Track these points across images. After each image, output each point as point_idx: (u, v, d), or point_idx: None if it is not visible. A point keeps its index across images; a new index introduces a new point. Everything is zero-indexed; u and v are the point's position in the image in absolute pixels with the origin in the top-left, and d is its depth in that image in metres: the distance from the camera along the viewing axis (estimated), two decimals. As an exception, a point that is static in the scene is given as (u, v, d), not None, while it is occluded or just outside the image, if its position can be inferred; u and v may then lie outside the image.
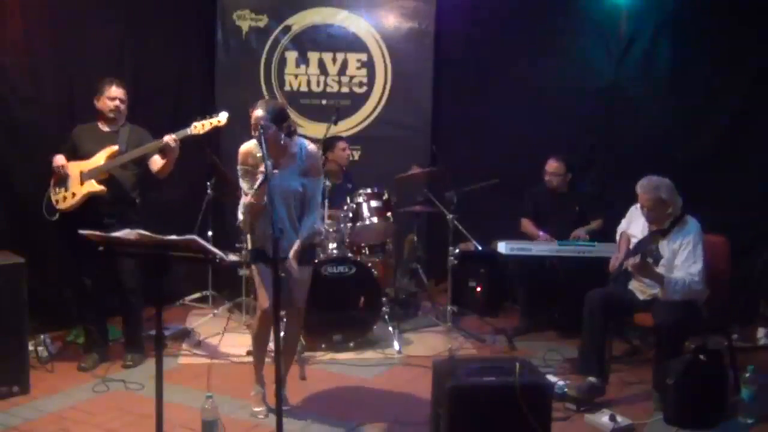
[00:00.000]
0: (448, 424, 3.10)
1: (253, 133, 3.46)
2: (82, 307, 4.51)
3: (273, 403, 3.54)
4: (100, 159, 4.20)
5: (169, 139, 4.09)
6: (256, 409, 3.71)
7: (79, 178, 4.19)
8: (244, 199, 3.59)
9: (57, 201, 4.24)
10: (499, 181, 5.35)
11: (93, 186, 4.16)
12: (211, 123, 4.06)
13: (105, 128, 4.34)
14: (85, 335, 4.50)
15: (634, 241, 4.14)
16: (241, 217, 3.66)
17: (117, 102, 4.30)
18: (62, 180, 4.22)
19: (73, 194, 4.19)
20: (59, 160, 4.22)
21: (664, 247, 3.95)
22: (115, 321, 4.71)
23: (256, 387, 3.77)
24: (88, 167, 4.20)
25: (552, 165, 5.28)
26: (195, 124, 4.07)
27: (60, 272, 4.89)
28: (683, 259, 3.88)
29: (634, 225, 4.22)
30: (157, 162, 4.30)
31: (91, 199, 4.18)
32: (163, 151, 4.22)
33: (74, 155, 4.27)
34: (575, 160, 5.37)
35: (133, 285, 4.37)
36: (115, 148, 4.22)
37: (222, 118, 4.05)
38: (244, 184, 3.60)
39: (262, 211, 3.52)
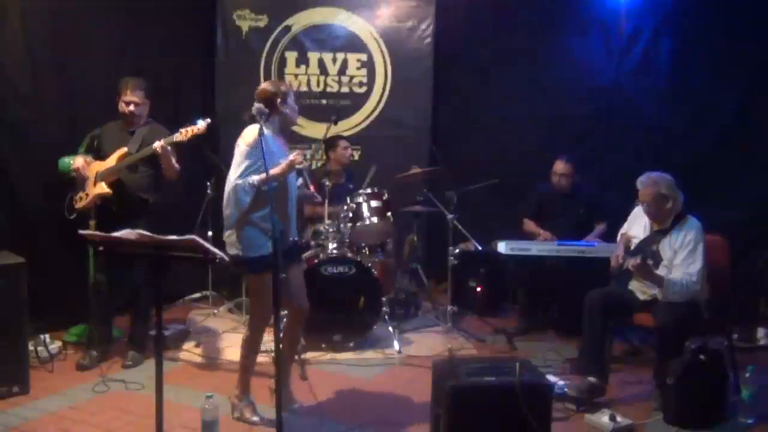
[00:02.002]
0: (448, 424, 3.10)
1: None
2: (89, 304, 4.51)
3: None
4: (112, 160, 4.28)
5: (156, 146, 4.12)
6: (254, 419, 3.60)
7: (93, 179, 4.28)
8: (246, 181, 3.37)
9: (76, 201, 4.35)
10: (499, 181, 5.35)
11: (101, 188, 4.23)
12: (191, 130, 4.06)
13: (125, 128, 4.40)
14: (87, 333, 4.51)
15: (635, 241, 4.14)
16: (234, 210, 3.39)
17: (132, 107, 4.33)
18: (82, 181, 4.32)
19: (87, 195, 4.29)
20: (77, 163, 4.32)
21: (666, 246, 3.96)
22: (117, 321, 4.72)
23: (246, 398, 3.65)
24: (103, 168, 4.28)
25: (560, 166, 5.24)
26: (181, 130, 4.09)
27: (60, 272, 4.88)
28: (683, 258, 3.89)
29: (636, 226, 4.22)
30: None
31: (103, 199, 4.24)
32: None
33: (99, 154, 4.38)
34: (576, 160, 5.36)
35: (145, 281, 4.42)
36: (125, 149, 4.26)
37: (200, 125, 4.05)
38: (246, 168, 3.39)
39: (269, 198, 3.40)
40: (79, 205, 4.32)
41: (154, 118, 4.50)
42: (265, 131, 3.41)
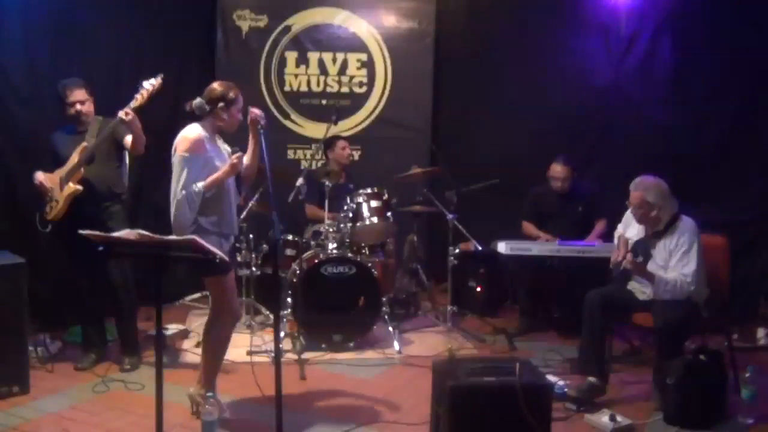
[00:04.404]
0: (448, 424, 3.10)
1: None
2: (78, 308, 4.51)
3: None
4: (74, 159, 4.18)
5: (121, 113, 4.03)
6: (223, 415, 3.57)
7: (59, 185, 4.19)
8: (190, 191, 3.33)
9: (47, 213, 4.23)
10: (499, 181, 5.35)
11: (70, 188, 4.14)
12: (147, 90, 4.00)
13: (78, 130, 4.31)
14: (83, 335, 4.50)
15: (631, 242, 4.15)
16: (184, 221, 3.35)
17: (77, 106, 4.25)
18: (47, 194, 4.22)
19: (57, 202, 4.18)
20: (37, 177, 4.24)
21: (660, 248, 3.97)
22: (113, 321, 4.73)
23: (209, 395, 3.50)
24: (65, 171, 4.19)
25: (556, 169, 5.23)
26: (136, 96, 4.02)
27: (59, 273, 4.89)
28: (677, 259, 3.90)
29: (632, 227, 4.22)
30: (128, 141, 4.23)
31: (74, 200, 4.15)
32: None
33: (57, 163, 4.27)
34: (575, 160, 5.37)
35: (121, 282, 4.33)
36: (84, 144, 4.18)
37: (156, 81, 3.98)
38: (187, 177, 3.34)
39: (222, 195, 3.47)
40: (51, 215, 4.20)
41: (154, 117, 4.45)
42: (202, 131, 3.44)
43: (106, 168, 4.29)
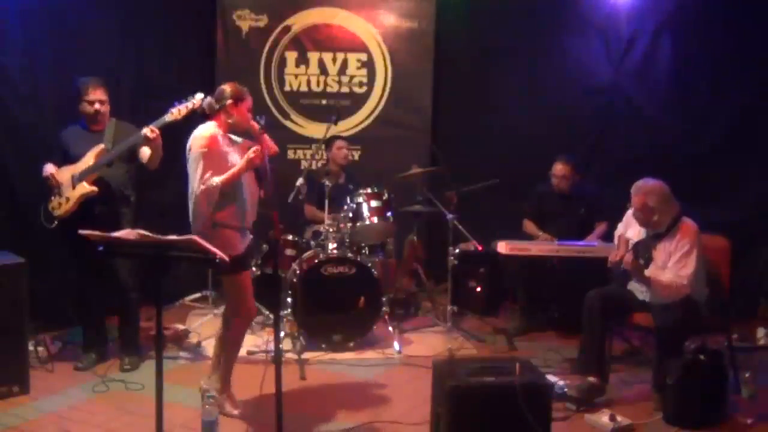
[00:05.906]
0: (448, 424, 3.10)
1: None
2: (80, 307, 4.51)
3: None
4: (89, 159, 4.16)
5: (146, 130, 4.02)
6: (235, 412, 3.70)
7: (71, 182, 4.17)
8: (209, 185, 3.38)
9: (53, 208, 4.22)
10: (498, 181, 5.35)
11: (84, 188, 4.13)
12: (186, 107, 3.99)
13: (91, 128, 4.29)
14: (83, 335, 4.49)
15: (631, 243, 4.15)
16: (202, 216, 3.42)
17: (97, 105, 4.23)
18: (56, 188, 4.21)
19: (67, 199, 4.17)
20: (48, 169, 4.21)
21: (661, 249, 3.97)
22: (114, 321, 4.72)
23: (208, 396, 3.53)
24: (79, 169, 4.17)
25: (559, 167, 5.24)
26: (172, 110, 4.01)
27: (60, 273, 4.89)
28: (675, 260, 3.90)
29: (632, 228, 4.23)
30: (145, 153, 4.23)
31: (85, 200, 4.15)
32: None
33: (65, 160, 4.25)
34: (575, 161, 5.37)
35: (131, 284, 4.36)
36: (102, 146, 4.17)
37: (196, 99, 3.97)
38: (204, 172, 3.39)
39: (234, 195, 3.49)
40: (59, 211, 4.18)
41: (154, 118, 4.45)
42: (215, 128, 3.51)
43: (118, 170, 4.30)
